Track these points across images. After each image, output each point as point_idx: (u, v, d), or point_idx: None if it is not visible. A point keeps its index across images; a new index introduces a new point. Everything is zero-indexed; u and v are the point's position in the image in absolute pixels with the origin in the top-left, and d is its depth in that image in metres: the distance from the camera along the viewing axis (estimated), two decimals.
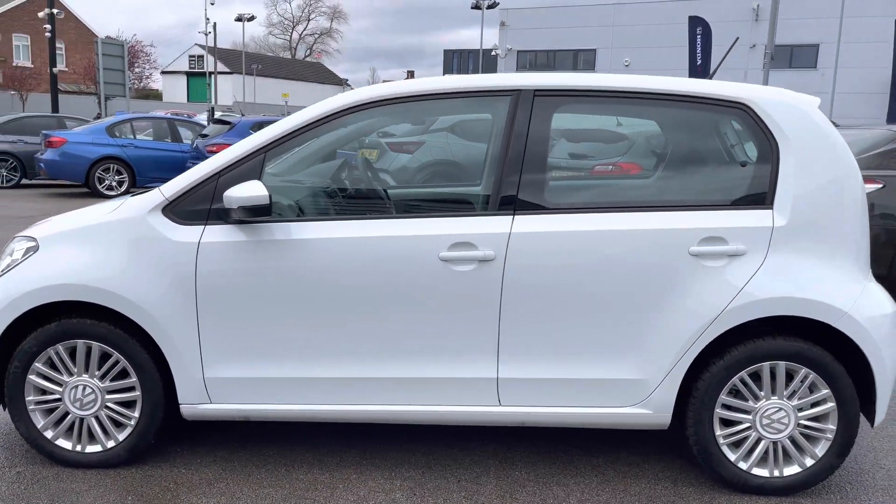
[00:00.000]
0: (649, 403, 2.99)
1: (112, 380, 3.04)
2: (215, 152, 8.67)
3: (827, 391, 2.97)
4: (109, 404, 3.06)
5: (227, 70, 58.13)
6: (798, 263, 2.95)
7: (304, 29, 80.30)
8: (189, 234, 2.95)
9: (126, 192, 13.64)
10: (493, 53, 42.06)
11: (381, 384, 2.99)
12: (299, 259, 2.93)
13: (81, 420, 3.08)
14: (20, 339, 3.04)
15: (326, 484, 3.04)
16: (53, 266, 2.99)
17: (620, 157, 3.29)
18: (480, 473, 3.17)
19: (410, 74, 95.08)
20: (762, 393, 2.99)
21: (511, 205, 2.95)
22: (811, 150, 3.00)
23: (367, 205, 3.41)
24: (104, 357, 3.02)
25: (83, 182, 13.56)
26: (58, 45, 46.65)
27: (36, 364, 3.01)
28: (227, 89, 57.22)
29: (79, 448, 3.09)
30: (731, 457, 3.04)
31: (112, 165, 13.65)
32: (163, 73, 59.03)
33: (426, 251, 2.90)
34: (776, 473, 3.04)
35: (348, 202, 3.33)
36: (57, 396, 3.05)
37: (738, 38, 4.61)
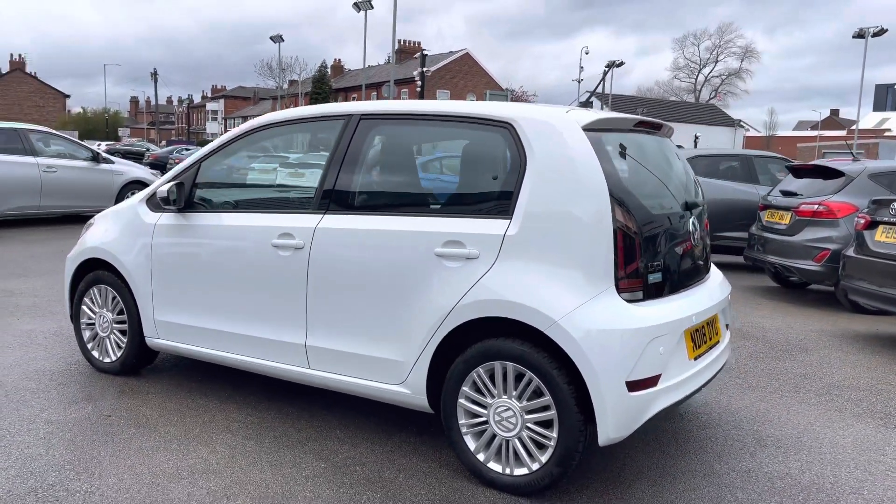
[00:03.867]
0: (408, 384, 3.40)
1: (115, 312, 4.53)
2: None
3: (548, 398, 3.04)
4: (115, 331, 4.55)
5: None
6: (522, 270, 3.10)
7: (711, 71, 79.34)
8: (152, 217, 4.30)
9: None
10: None
11: (242, 339, 3.93)
12: (200, 238, 4.06)
13: (100, 337, 4.62)
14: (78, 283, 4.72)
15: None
16: (90, 236, 4.61)
17: (418, 169, 3.74)
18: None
19: (835, 112, 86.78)
20: (495, 390, 3.18)
21: (325, 205, 3.67)
22: (552, 166, 3.13)
23: (246, 202, 4.27)
24: (113, 299, 4.52)
25: None
26: (441, 97, 53.79)
27: (85, 300, 4.66)
28: None
29: (99, 356, 4.64)
30: (472, 446, 3.26)
31: None
32: None
33: (264, 238, 3.79)
34: (507, 471, 3.18)
35: (236, 200, 4.29)
36: (91, 321, 4.66)
37: (616, 63, 4.24)
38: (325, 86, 59.76)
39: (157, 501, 2.98)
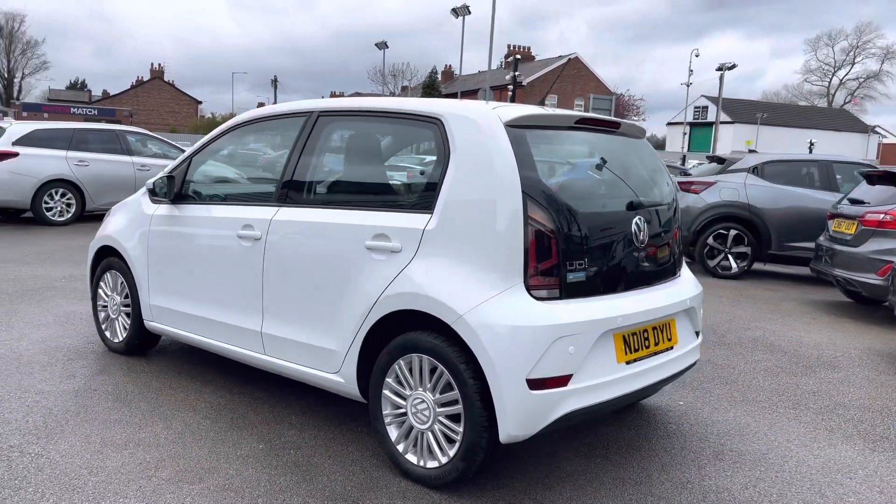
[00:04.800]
0: (342, 373, 3.50)
1: (122, 296, 4.87)
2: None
3: (456, 392, 3.05)
4: (122, 313, 4.90)
5: (729, 120, 57.95)
6: (437, 264, 3.13)
7: (847, 74, 74.50)
8: (151, 208, 4.61)
9: None
10: None
11: (214, 325, 4.15)
12: (185, 228, 4.32)
13: (111, 319, 4.99)
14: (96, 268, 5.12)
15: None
16: (107, 224, 4.99)
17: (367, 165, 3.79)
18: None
19: None
20: (413, 382, 3.22)
21: (282, 198, 3.83)
22: (469, 161, 3.14)
23: (224, 195, 4.44)
24: (121, 284, 4.86)
25: None
26: (548, 101, 53.12)
27: (101, 284, 5.04)
28: (728, 138, 57.04)
29: (115, 340, 5.01)
30: (393, 436, 3.32)
31: None
32: (668, 124, 61.98)
33: (231, 229, 3.99)
34: (421, 463, 3.21)
35: (217, 192, 4.47)
36: (104, 303, 5.03)
37: (570, 58, 4.00)
38: (434, 91, 60.68)
39: (91, 467, 3.23)
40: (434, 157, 3.31)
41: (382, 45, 46.01)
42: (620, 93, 50.22)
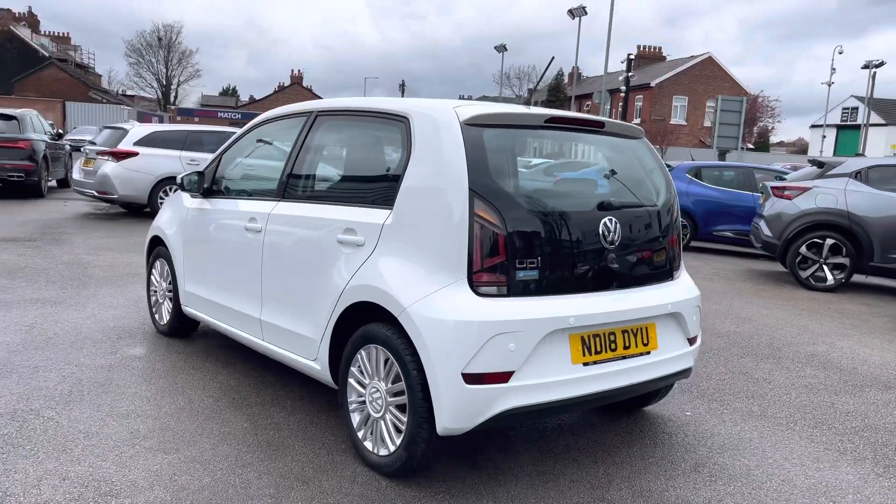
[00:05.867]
0: (318, 360, 3.66)
1: (167, 282, 5.29)
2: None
3: (403, 383, 3.14)
4: (168, 298, 5.32)
5: (883, 122, 53.41)
6: (392, 258, 3.23)
7: None
8: (189, 202, 4.99)
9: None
10: None
11: (228, 311, 4.45)
12: (210, 221, 4.66)
13: (158, 303, 5.42)
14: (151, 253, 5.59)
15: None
16: (159, 216, 5.43)
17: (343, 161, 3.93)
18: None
19: None
20: (371, 372, 3.33)
21: (282, 193, 4.06)
22: (425, 159, 3.21)
23: (242, 190, 4.66)
24: (166, 271, 5.28)
25: None
26: (678, 103, 51.26)
27: (153, 271, 5.50)
28: (880, 142, 52.62)
29: (160, 322, 5.45)
30: (354, 422, 3.44)
31: None
32: (811, 126, 58.05)
33: (242, 222, 4.27)
34: (375, 450, 3.32)
35: (238, 188, 4.71)
36: (155, 289, 5.48)
37: (553, 58, 3.78)
38: (560, 93, 60.13)
39: (89, 433, 3.58)
40: (399, 155, 3.41)
41: (501, 49, 46.18)
42: (755, 94, 47.62)
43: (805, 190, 9.63)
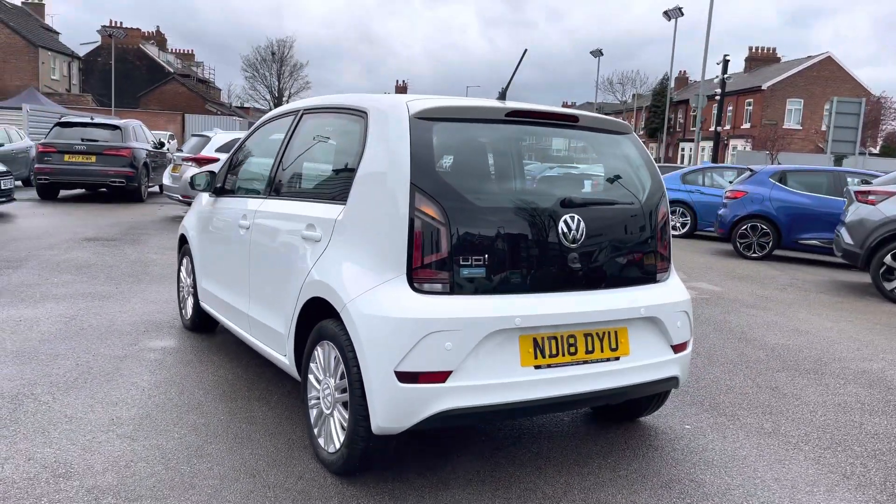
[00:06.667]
0: (287, 355, 3.68)
1: (190, 278, 5.48)
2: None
3: (346, 380, 3.09)
4: (191, 294, 5.51)
5: None
6: (340, 254, 3.21)
7: None
8: (205, 201, 5.16)
9: (686, 235, 15.07)
10: None
11: (227, 306, 4.55)
12: (217, 218, 4.79)
13: (184, 298, 5.62)
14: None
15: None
16: (185, 216, 5.65)
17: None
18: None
19: None
20: (324, 368, 3.31)
21: (268, 191, 4.12)
22: (375, 154, 3.17)
23: (243, 189, 4.69)
24: (191, 266, 5.48)
25: None
26: (793, 106, 48.37)
27: (181, 268, 5.72)
28: None
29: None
30: (311, 418, 3.43)
31: (678, 208, 15.26)
32: None
33: (236, 219, 4.37)
34: (325, 446, 3.29)
35: (240, 187, 4.77)
36: (182, 285, 5.69)
37: (526, 50, 3.41)
38: (664, 98, 58.31)
39: (72, 417, 3.74)
40: (357, 150, 3.38)
41: (597, 54, 45.32)
42: (877, 95, 44.40)
43: (892, 195, 8.87)
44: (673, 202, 15.25)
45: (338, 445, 3.18)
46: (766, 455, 3.69)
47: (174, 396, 4.12)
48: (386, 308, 2.93)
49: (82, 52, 58.90)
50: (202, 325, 5.44)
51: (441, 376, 2.91)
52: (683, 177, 15.58)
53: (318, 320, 3.42)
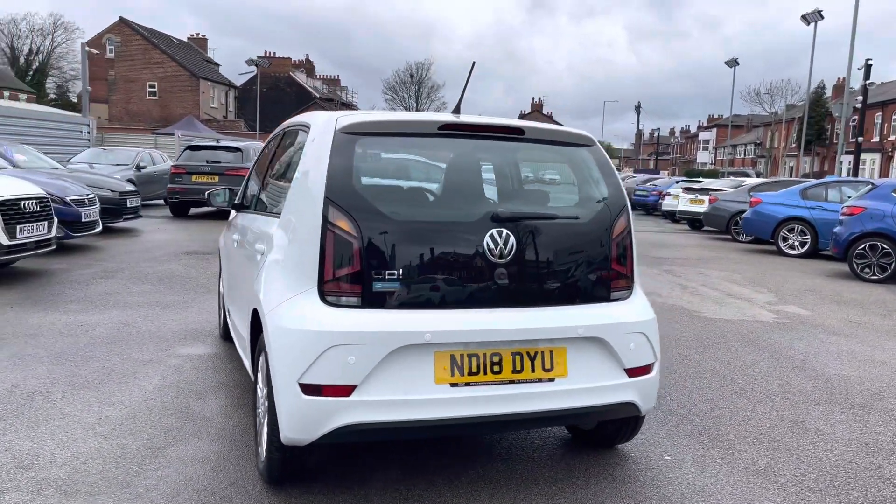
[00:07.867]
0: (249, 366, 3.80)
1: (223, 287, 5.78)
2: None
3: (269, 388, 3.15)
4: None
5: None
6: (271, 266, 3.30)
7: None
8: (232, 215, 5.44)
9: (806, 255, 13.93)
10: None
11: (233, 315, 4.77)
12: (231, 233, 5.04)
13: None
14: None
15: None
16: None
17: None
18: None
19: None
20: (263, 377, 3.38)
21: (255, 206, 4.30)
22: (304, 169, 3.24)
23: (246, 205, 4.76)
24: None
25: (769, 239, 14.56)
26: None
27: (221, 282, 6.04)
28: None
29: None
30: (256, 427, 3.51)
31: (797, 226, 14.16)
32: None
33: (236, 233, 4.59)
34: (259, 455, 3.36)
35: (246, 203, 4.94)
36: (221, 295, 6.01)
37: (474, 63, 3.04)
38: (820, 108, 54.36)
39: (65, 414, 4.06)
40: (298, 165, 3.46)
41: (733, 63, 42.99)
42: None
43: None
44: (791, 219, 14.18)
45: (264, 455, 3.24)
46: (736, 494, 3.35)
47: (168, 399, 4.35)
48: (292, 320, 2.97)
49: (240, 81, 63.75)
50: (227, 336, 5.72)
51: (345, 390, 2.90)
52: (804, 192, 14.43)
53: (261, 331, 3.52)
